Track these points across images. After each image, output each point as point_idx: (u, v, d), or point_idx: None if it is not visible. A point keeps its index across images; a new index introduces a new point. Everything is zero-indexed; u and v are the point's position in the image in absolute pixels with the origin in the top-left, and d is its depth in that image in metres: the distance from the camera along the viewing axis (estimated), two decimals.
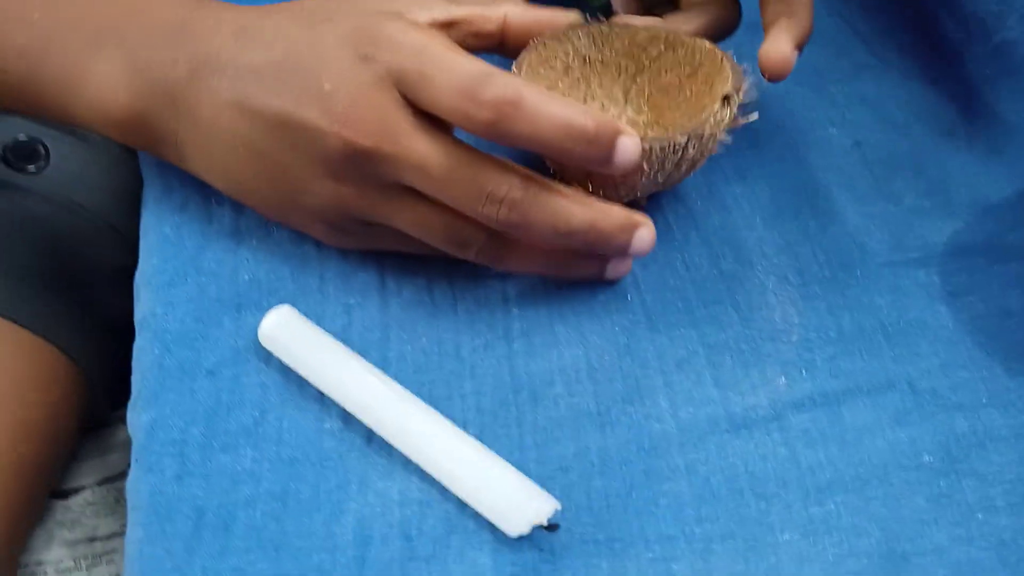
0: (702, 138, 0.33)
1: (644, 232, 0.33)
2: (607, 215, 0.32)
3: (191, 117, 0.33)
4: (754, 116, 0.35)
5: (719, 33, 0.41)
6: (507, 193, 0.30)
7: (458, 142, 0.31)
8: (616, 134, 0.30)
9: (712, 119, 0.33)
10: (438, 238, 0.33)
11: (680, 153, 0.33)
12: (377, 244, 0.35)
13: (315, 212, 0.33)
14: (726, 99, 0.34)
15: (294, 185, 0.32)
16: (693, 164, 0.35)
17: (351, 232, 0.34)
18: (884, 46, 0.45)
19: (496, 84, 0.29)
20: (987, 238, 0.38)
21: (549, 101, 0.30)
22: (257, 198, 0.34)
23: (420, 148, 0.30)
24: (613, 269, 0.35)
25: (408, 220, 0.32)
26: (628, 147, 0.30)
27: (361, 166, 0.31)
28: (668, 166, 0.33)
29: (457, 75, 0.29)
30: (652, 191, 0.36)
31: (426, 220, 0.32)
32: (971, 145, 0.41)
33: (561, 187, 0.32)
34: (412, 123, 0.30)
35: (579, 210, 0.31)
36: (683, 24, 0.39)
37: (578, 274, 0.35)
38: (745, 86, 0.34)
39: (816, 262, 0.37)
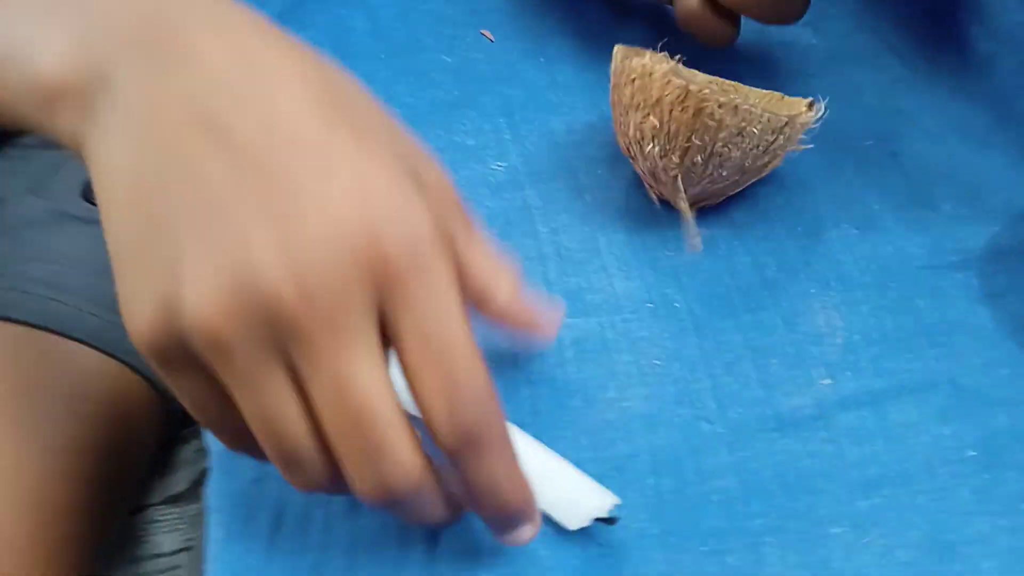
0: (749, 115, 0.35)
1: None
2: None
3: (128, 104, 0.24)
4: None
5: (780, 17, 0.41)
6: (402, 471, 0.25)
7: (391, 391, 0.24)
8: (528, 514, 0.28)
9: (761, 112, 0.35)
10: (268, 438, 0.25)
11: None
12: (186, 379, 0.25)
13: (170, 290, 0.23)
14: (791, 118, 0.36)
15: (191, 241, 0.23)
16: (751, 162, 0.37)
17: (177, 358, 0.24)
18: (917, 60, 0.47)
19: (484, 409, 0.25)
20: (1022, 242, 0.39)
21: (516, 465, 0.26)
22: (131, 232, 0.24)
23: (348, 363, 0.23)
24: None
25: (261, 401, 0.24)
26: (526, 532, 0.28)
27: (275, 320, 0.23)
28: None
29: (459, 360, 0.24)
30: (727, 190, 0.39)
31: (276, 413, 0.24)
32: (1005, 152, 0.42)
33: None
34: (362, 333, 0.23)
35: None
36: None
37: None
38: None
39: (857, 268, 0.38)
